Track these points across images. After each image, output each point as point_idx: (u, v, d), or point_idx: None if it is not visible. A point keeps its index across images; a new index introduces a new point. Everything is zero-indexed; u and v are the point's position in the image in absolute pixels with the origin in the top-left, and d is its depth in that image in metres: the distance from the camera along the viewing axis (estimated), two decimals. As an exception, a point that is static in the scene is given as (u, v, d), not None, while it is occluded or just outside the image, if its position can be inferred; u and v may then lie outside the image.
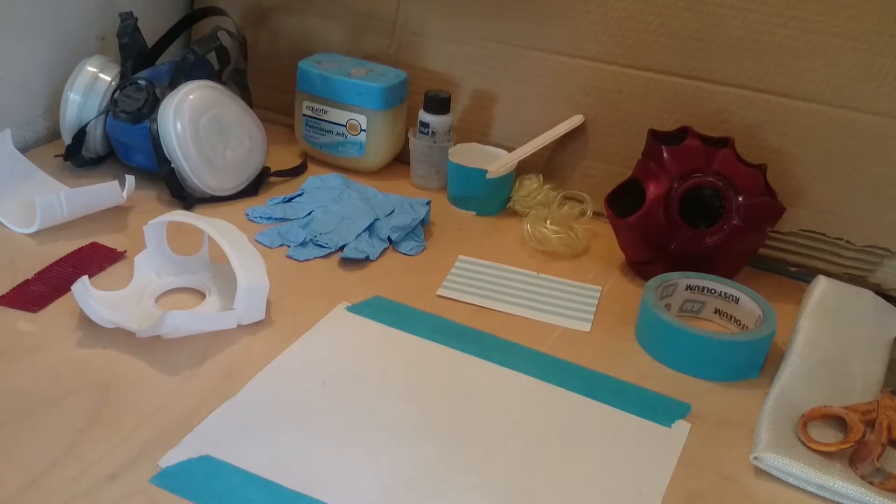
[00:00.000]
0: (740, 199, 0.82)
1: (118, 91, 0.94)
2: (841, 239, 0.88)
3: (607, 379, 0.72)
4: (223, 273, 0.79)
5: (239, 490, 0.57)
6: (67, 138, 0.96)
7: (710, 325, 0.81)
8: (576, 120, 0.97)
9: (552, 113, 0.99)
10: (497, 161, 0.98)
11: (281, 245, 0.88)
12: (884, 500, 0.59)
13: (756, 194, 0.82)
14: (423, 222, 0.93)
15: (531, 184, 0.98)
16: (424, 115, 1.00)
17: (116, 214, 0.90)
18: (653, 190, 0.83)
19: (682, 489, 0.61)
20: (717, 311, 0.80)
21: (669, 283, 0.79)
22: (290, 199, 0.97)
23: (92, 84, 0.95)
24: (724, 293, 0.79)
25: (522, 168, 0.99)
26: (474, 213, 0.99)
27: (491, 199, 0.98)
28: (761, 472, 0.63)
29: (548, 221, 0.92)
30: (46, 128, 1.05)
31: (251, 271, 0.73)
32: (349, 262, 0.86)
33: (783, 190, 0.86)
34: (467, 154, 0.99)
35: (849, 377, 0.72)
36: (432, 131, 1.00)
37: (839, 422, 0.66)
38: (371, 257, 0.86)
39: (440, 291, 0.82)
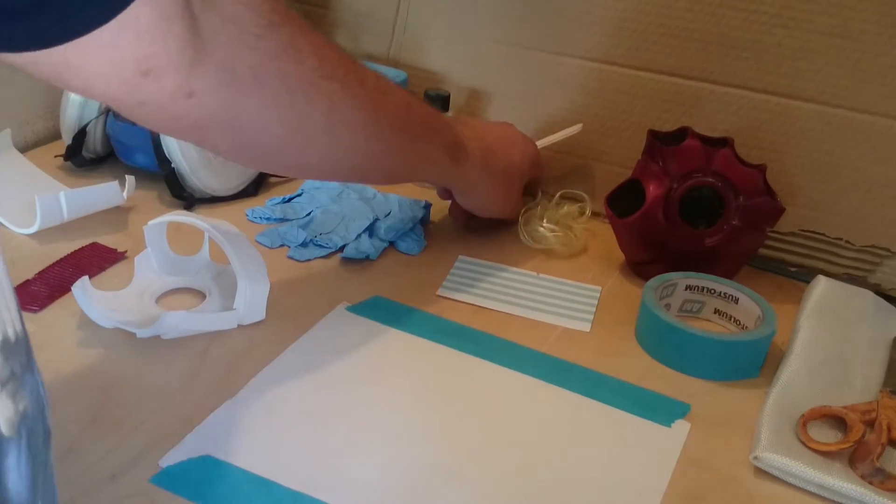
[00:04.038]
0: (740, 199, 0.82)
1: (118, 91, 0.93)
2: (841, 239, 0.88)
3: (607, 379, 0.72)
4: (223, 273, 0.79)
5: (239, 490, 0.57)
6: (67, 138, 0.96)
7: (709, 325, 0.81)
8: (574, 129, 0.96)
9: (552, 113, 0.99)
10: (497, 161, 0.98)
11: (281, 245, 0.88)
12: (884, 500, 0.59)
13: (756, 194, 0.82)
14: (424, 222, 0.93)
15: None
16: (424, 116, 1.00)
17: (116, 214, 0.90)
18: (653, 190, 0.83)
19: (682, 489, 0.61)
20: (716, 312, 0.80)
21: (669, 283, 0.79)
22: (290, 200, 0.97)
23: (92, 84, 0.95)
24: (724, 293, 0.79)
25: (522, 168, 0.99)
26: (474, 213, 0.99)
27: (491, 199, 0.98)
28: (761, 472, 0.63)
29: (545, 220, 0.92)
30: (46, 128, 1.05)
31: (251, 271, 0.73)
32: (349, 262, 0.86)
33: (783, 190, 0.86)
34: (467, 154, 0.99)
35: (849, 377, 0.72)
36: (432, 131, 1.00)
37: (839, 422, 0.66)
38: (371, 257, 0.86)
39: (440, 291, 0.82)
